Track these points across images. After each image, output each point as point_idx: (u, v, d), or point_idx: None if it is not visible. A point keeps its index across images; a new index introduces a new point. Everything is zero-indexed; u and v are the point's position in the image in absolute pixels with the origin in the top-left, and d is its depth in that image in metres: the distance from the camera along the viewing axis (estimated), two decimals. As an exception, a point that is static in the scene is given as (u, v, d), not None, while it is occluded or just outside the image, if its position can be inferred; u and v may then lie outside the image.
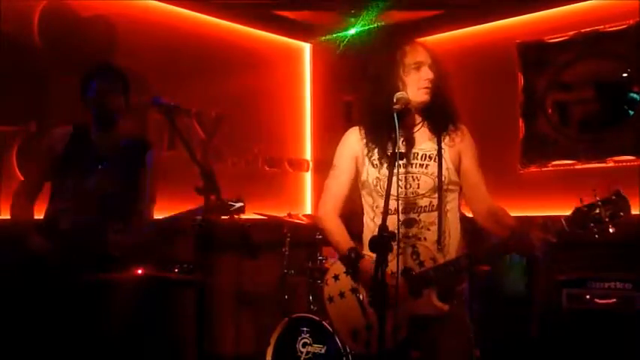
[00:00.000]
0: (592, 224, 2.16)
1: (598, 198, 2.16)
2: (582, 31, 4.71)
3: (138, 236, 3.06)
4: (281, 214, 4.56)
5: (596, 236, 2.16)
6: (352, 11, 5.23)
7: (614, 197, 2.14)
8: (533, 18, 4.94)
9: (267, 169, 5.46)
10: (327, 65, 5.80)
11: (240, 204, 2.86)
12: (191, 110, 4.83)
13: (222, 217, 2.82)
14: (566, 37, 4.79)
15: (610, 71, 4.64)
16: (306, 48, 5.90)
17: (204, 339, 2.80)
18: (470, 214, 2.65)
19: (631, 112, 4.54)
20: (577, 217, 2.18)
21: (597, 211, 2.15)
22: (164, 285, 3.63)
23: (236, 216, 2.85)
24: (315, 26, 5.64)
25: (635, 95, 4.54)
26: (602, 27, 4.63)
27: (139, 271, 3.14)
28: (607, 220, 2.14)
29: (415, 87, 2.48)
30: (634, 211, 3.49)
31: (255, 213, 4.46)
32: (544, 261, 4.29)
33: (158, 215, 3.26)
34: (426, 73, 2.48)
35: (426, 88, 2.48)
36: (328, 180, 2.73)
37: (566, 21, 4.79)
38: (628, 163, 4.47)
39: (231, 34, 5.29)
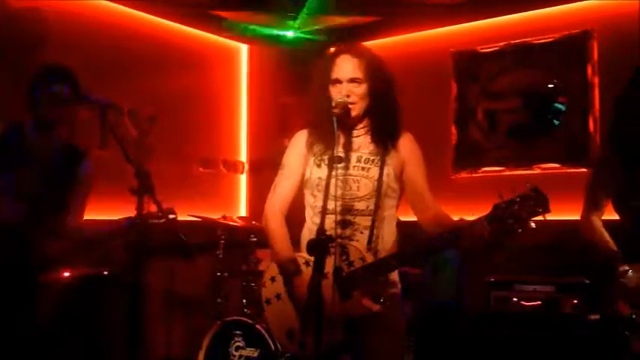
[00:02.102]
0: (511, 220, 2.17)
1: (517, 194, 2.18)
2: (513, 42, 4.86)
3: (63, 244, 2.97)
4: (215, 216, 4.51)
5: (519, 230, 2.16)
6: (290, 14, 5.23)
7: (532, 193, 2.16)
8: (467, 28, 5.08)
9: (202, 170, 5.40)
10: (264, 67, 5.79)
11: (172, 215, 2.83)
12: (123, 108, 4.71)
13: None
14: (497, 48, 4.93)
15: (537, 82, 4.80)
16: (243, 49, 5.87)
17: (134, 342, 2.74)
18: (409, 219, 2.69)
19: (556, 122, 4.72)
20: (497, 213, 2.20)
21: (516, 207, 2.17)
22: (92, 286, 3.54)
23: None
24: (252, 27, 5.61)
25: (560, 105, 4.71)
26: (531, 39, 4.80)
27: (66, 274, 3.06)
28: (525, 215, 2.16)
29: (336, 100, 2.51)
30: (558, 217, 3.66)
31: (188, 215, 4.41)
32: (473, 264, 4.41)
33: (89, 216, 3.18)
34: (342, 90, 2.51)
35: (342, 99, 2.50)
36: (277, 179, 2.73)
37: (498, 32, 4.94)
38: (553, 171, 4.65)
39: (168, 33, 5.21)
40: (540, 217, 2.17)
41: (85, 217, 3.25)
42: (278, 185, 2.72)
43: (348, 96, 2.50)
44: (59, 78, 2.97)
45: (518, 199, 2.18)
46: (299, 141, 2.71)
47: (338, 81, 2.53)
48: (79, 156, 3.14)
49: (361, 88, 2.53)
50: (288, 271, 2.56)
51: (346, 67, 2.54)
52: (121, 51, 4.80)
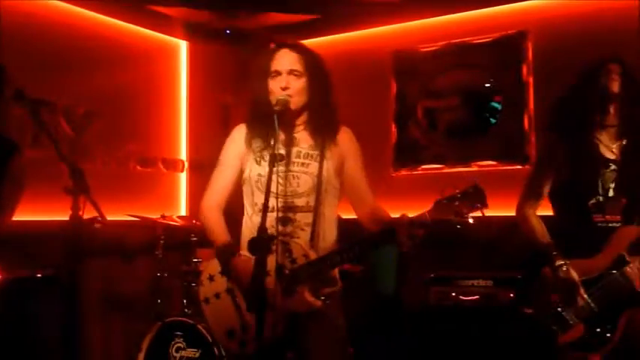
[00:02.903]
0: (452, 215, 2.24)
1: (457, 190, 2.24)
2: (452, 41, 4.94)
3: None
4: (154, 215, 4.43)
5: (458, 227, 2.23)
6: (229, 11, 5.19)
7: (471, 189, 2.22)
8: (407, 27, 5.13)
9: (140, 168, 5.29)
10: (205, 64, 5.72)
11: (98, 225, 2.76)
12: (57, 105, 4.58)
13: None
14: (437, 47, 5.01)
15: (475, 81, 4.90)
16: (182, 45, 5.79)
17: (70, 345, 2.67)
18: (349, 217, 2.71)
19: (493, 120, 4.83)
20: (438, 209, 2.26)
21: (456, 203, 2.23)
22: (25, 289, 3.44)
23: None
24: (192, 24, 5.54)
25: (496, 104, 4.82)
26: (469, 39, 4.89)
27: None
28: (465, 211, 2.22)
29: (275, 94, 2.53)
30: (495, 213, 3.74)
31: (127, 215, 4.33)
32: (414, 260, 4.47)
33: (20, 217, 3.08)
34: (281, 82, 2.52)
35: (286, 96, 2.51)
36: (213, 175, 2.71)
37: (438, 31, 5.01)
38: (490, 168, 4.76)
39: (105, 28, 5.08)
40: (479, 213, 2.22)
41: (17, 218, 3.15)
42: (214, 180, 2.71)
43: (286, 88, 2.52)
44: None
45: (458, 195, 2.23)
46: (237, 136, 2.70)
47: (277, 72, 2.54)
48: (10, 150, 3.03)
49: (300, 82, 2.55)
50: (223, 254, 2.54)
51: (286, 59, 2.56)
52: (56, 47, 4.65)
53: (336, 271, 2.63)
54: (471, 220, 2.24)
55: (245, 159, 2.65)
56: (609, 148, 2.77)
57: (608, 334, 2.60)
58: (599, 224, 2.72)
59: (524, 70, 4.70)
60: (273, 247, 2.39)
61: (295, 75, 2.54)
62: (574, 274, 2.65)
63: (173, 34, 5.64)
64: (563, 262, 2.69)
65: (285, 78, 2.53)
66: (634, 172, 2.71)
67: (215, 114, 5.53)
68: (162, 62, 5.62)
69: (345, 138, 2.65)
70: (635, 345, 2.62)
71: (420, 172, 5.02)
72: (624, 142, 2.77)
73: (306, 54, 2.59)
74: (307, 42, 2.72)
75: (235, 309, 2.55)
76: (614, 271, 2.63)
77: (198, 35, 5.58)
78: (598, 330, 2.61)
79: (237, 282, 2.53)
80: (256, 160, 2.61)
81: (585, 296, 2.64)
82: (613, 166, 2.74)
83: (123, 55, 5.17)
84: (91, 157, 4.87)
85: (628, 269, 2.61)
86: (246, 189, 2.65)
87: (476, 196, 2.22)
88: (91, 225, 2.67)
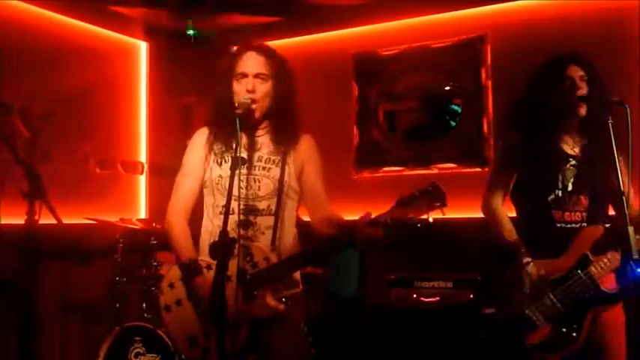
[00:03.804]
0: (412, 214, 2.26)
1: (416, 189, 2.26)
2: (412, 45, 4.99)
3: None
4: (113, 218, 4.37)
5: (418, 225, 2.25)
6: (190, 12, 5.15)
7: (430, 188, 2.25)
8: (368, 30, 5.16)
9: (99, 171, 5.20)
10: (165, 65, 5.66)
11: None
12: (13, 106, 4.48)
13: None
14: (397, 50, 5.04)
15: (435, 84, 4.95)
16: (142, 46, 5.72)
17: (26, 351, 2.62)
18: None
19: (453, 123, 4.89)
20: (398, 209, 2.27)
21: (416, 202, 2.25)
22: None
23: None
24: (152, 25, 5.48)
25: (456, 107, 4.88)
26: (429, 43, 4.94)
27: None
28: (425, 209, 2.24)
29: (241, 96, 2.51)
30: (455, 215, 3.78)
31: (85, 218, 4.26)
32: (375, 262, 4.49)
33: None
34: (247, 84, 2.52)
35: (249, 99, 2.50)
36: (177, 180, 2.69)
37: (399, 35, 5.04)
38: (450, 170, 4.81)
39: (63, 28, 4.98)
40: (439, 213, 2.25)
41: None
42: (179, 186, 2.68)
43: (252, 91, 2.51)
44: None
45: (418, 194, 2.26)
46: (199, 140, 2.68)
47: (244, 75, 2.53)
48: None
49: (265, 86, 2.55)
50: (189, 271, 2.51)
51: (253, 62, 2.55)
52: (12, 47, 4.54)
53: (297, 274, 2.63)
54: (431, 219, 2.26)
55: (207, 162, 2.64)
56: (571, 146, 2.82)
57: (574, 334, 2.64)
58: (558, 222, 2.75)
59: (483, 73, 4.77)
60: (235, 251, 2.37)
61: (261, 78, 2.54)
62: (541, 272, 2.68)
63: (133, 35, 5.56)
64: (530, 260, 2.71)
65: (252, 81, 2.53)
66: (594, 171, 2.74)
67: (176, 115, 5.47)
68: (122, 63, 5.54)
69: (307, 145, 2.66)
70: (599, 344, 2.67)
71: (381, 174, 5.05)
72: (586, 141, 2.82)
73: (273, 58, 2.59)
74: (269, 44, 2.70)
75: (196, 316, 2.53)
76: (579, 271, 2.67)
77: (158, 36, 5.52)
78: (564, 330, 2.65)
79: (199, 290, 2.51)
80: (217, 162, 2.61)
81: (551, 296, 2.67)
82: (573, 162, 2.77)
83: (82, 56, 5.08)
84: (48, 159, 4.77)
85: (592, 269, 2.65)
86: (206, 191, 2.64)
87: (435, 195, 2.25)
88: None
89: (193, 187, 2.66)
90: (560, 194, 2.75)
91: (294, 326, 2.58)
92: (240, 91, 2.52)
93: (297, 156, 2.62)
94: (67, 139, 4.90)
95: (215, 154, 2.61)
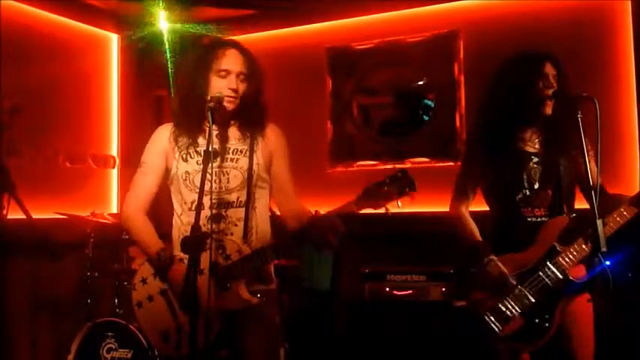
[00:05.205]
0: (382, 201, 2.28)
1: (385, 176, 2.28)
2: (386, 39, 5.00)
3: None
4: (84, 213, 4.32)
5: (389, 213, 2.27)
6: (161, 4, 5.10)
7: (399, 174, 2.27)
8: (342, 24, 5.16)
9: (69, 165, 5.14)
10: (136, 58, 5.60)
11: None
12: (-19, 100, 4.41)
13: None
14: (371, 45, 5.06)
15: (408, 78, 4.98)
16: (113, 39, 5.65)
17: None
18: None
19: (426, 118, 4.91)
20: (367, 196, 2.29)
21: (385, 188, 2.27)
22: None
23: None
24: (122, 17, 5.42)
25: (429, 102, 4.91)
26: (403, 37, 4.96)
27: None
28: (395, 195, 2.26)
29: (216, 91, 2.51)
30: (428, 209, 3.81)
31: (55, 212, 4.20)
32: (349, 255, 4.50)
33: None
34: (231, 83, 2.52)
35: (229, 97, 2.51)
36: (136, 177, 2.66)
37: (373, 29, 5.05)
38: (423, 165, 4.84)
39: (32, 20, 4.90)
40: (408, 202, 2.25)
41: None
42: (136, 183, 2.66)
43: (236, 90, 2.51)
44: None
45: (387, 180, 2.28)
46: (160, 136, 2.66)
47: (227, 72, 2.53)
48: None
49: (244, 85, 2.56)
50: (160, 263, 2.50)
51: (236, 60, 2.55)
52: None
53: (271, 268, 2.63)
54: (400, 205, 2.27)
55: (170, 157, 2.62)
56: (531, 144, 2.85)
57: (547, 324, 2.67)
58: (529, 218, 2.79)
59: (456, 68, 4.80)
60: (207, 245, 2.36)
61: (241, 79, 2.55)
62: (502, 268, 2.72)
63: (104, 27, 5.50)
64: (490, 258, 2.74)
65: (235, 79, 2.53)
66: (555, 163, 2.79)
67: (148, 108, 5.42)
68: (93, 55, 5.47)
69: (274, 135, 2.66)
70: (568, 334, 2.71)
71: (355, 168, 5.06)
72: (544, 136, 2.85)
73: (249, 56, 2.60)
74: (242, 37, 2.70)
75: (169, 311, 2.52)
76: (548, 262, 2.71)
77: (129, 28, 5.46)
78: (537, 321, 2.68)
79: (171, 284, 2.50)
80: (183, 158, 2.59)
81: (522, 288, 2.70)
82: (535, 159, 2.81)
83: (51, 48, 5.01)
84: (18, 154, 4.70)
85: (560, 259, 2.69)
86: (173, 188, 2.62)
87: (404, 180, 2.27)
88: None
89: (151, 186, 2.63)
90: (527, 193, 2.79)
91: (267, 321, 2.58)
92: (221, 87, 2.51)
93: (265, 146, 2.62)
94: (37, 133, 4.84)
95: (179, 149, 2.59)
